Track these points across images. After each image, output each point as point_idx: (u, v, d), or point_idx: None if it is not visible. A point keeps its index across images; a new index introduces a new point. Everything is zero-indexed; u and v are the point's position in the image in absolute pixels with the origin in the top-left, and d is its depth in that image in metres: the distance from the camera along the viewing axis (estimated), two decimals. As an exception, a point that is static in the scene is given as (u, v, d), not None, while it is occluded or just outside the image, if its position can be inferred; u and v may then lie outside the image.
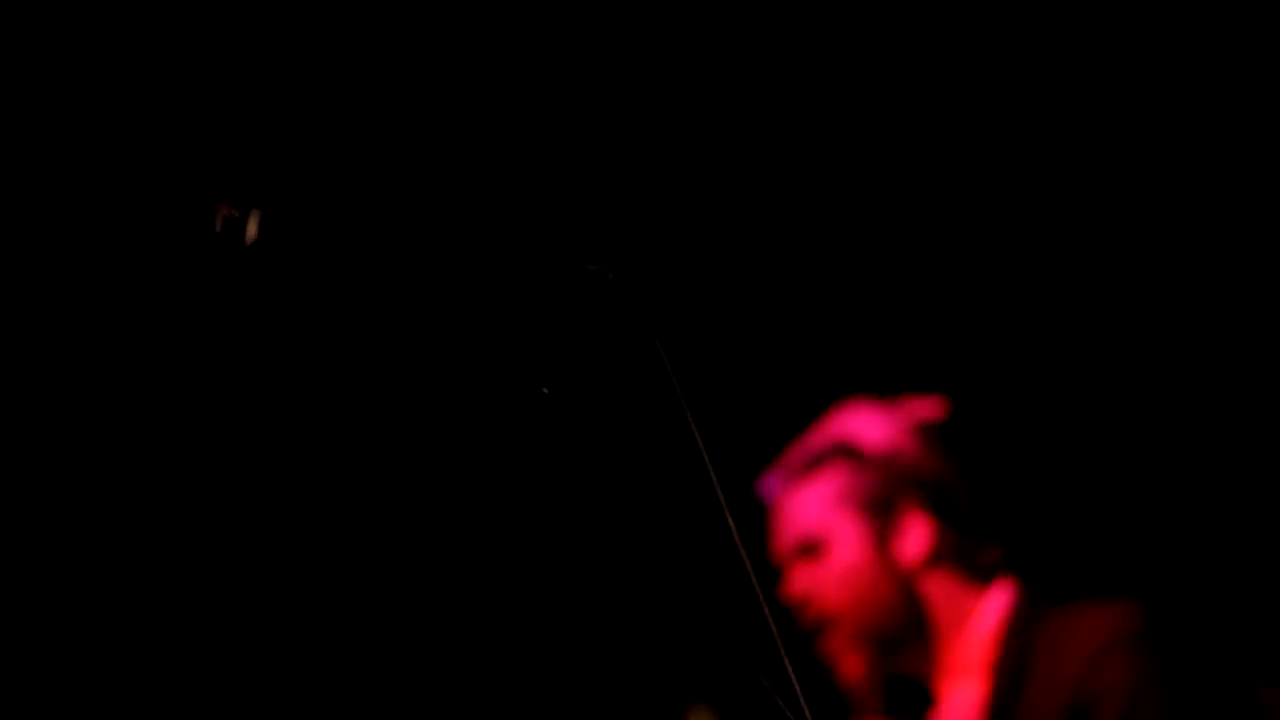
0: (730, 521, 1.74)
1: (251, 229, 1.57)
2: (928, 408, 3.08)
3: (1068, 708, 2.89)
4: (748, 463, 3.03)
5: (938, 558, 3.06)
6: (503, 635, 3.17)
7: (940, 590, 3.06)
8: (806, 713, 1.73)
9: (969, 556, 3.06)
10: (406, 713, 3.27)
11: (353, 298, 1.76)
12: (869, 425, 3.06)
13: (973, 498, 3.08)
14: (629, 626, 3.24)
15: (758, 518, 2.93)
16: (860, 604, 3.08)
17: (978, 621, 3.05)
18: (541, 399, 1.66)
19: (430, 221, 1.66)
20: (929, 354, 3.74)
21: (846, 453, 3.06)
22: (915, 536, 3.11)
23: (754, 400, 3.59)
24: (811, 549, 3.07)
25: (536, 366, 1.69)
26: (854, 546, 3.07)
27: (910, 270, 3.76)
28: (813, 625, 3.05)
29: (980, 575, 3.06)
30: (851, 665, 3.06)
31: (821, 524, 3.06)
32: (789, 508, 3.08)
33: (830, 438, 3.06)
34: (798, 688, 1.73)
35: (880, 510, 3.11)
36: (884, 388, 3.07)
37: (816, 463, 3.06)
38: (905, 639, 3.08)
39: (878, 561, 3.08)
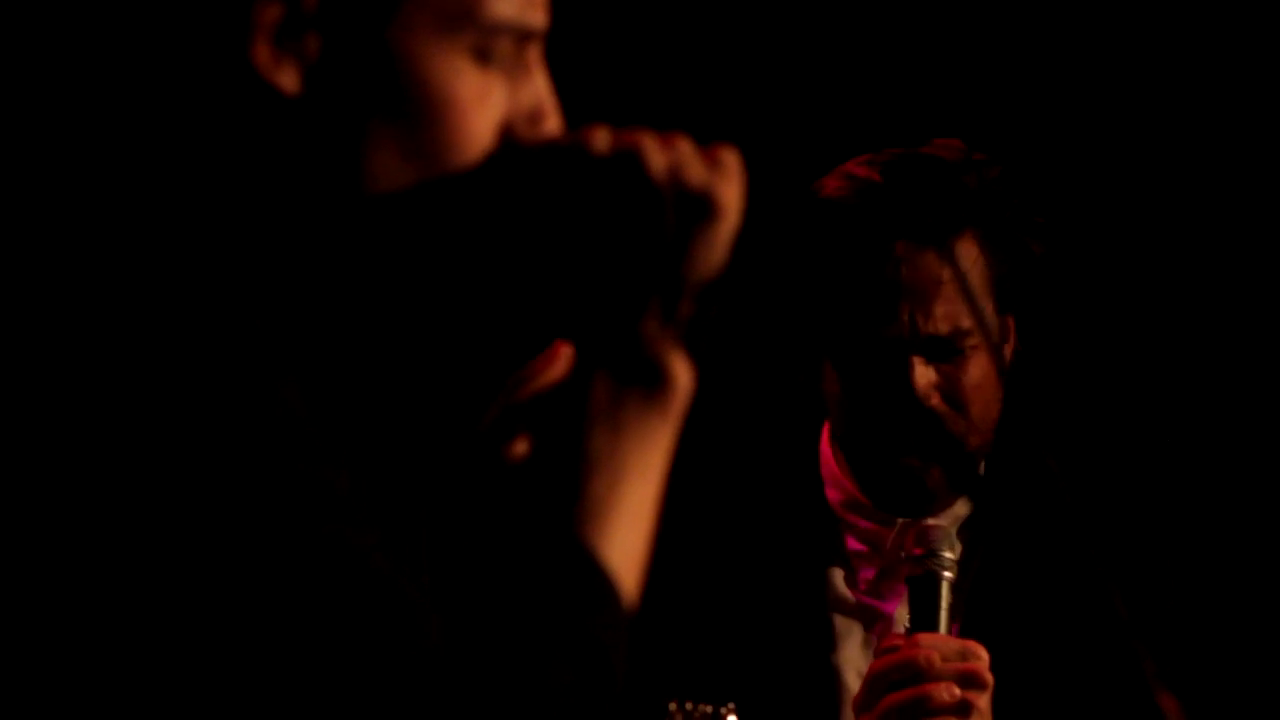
0: None
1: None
2: None
3: None
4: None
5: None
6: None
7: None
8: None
9: None
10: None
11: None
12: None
13: None
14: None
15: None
16: (986, 414, 2.75)
17: None
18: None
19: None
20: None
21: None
22: (1012, 338, 2.80)
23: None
24: (954, 342, 2.70)
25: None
26: (992, 347, 2.73)
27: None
28: (933, 429, 2.70)
29: None
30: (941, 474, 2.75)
31: (969, 315, 2.68)
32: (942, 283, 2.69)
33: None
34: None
35: (1006, 307, 2.77)
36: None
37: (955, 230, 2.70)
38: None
39: (999, 367, 2.75)
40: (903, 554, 2.68)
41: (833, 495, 2.84)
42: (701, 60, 3.59)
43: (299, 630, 1.49)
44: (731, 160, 1.67)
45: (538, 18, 1.67)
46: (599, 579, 1.60)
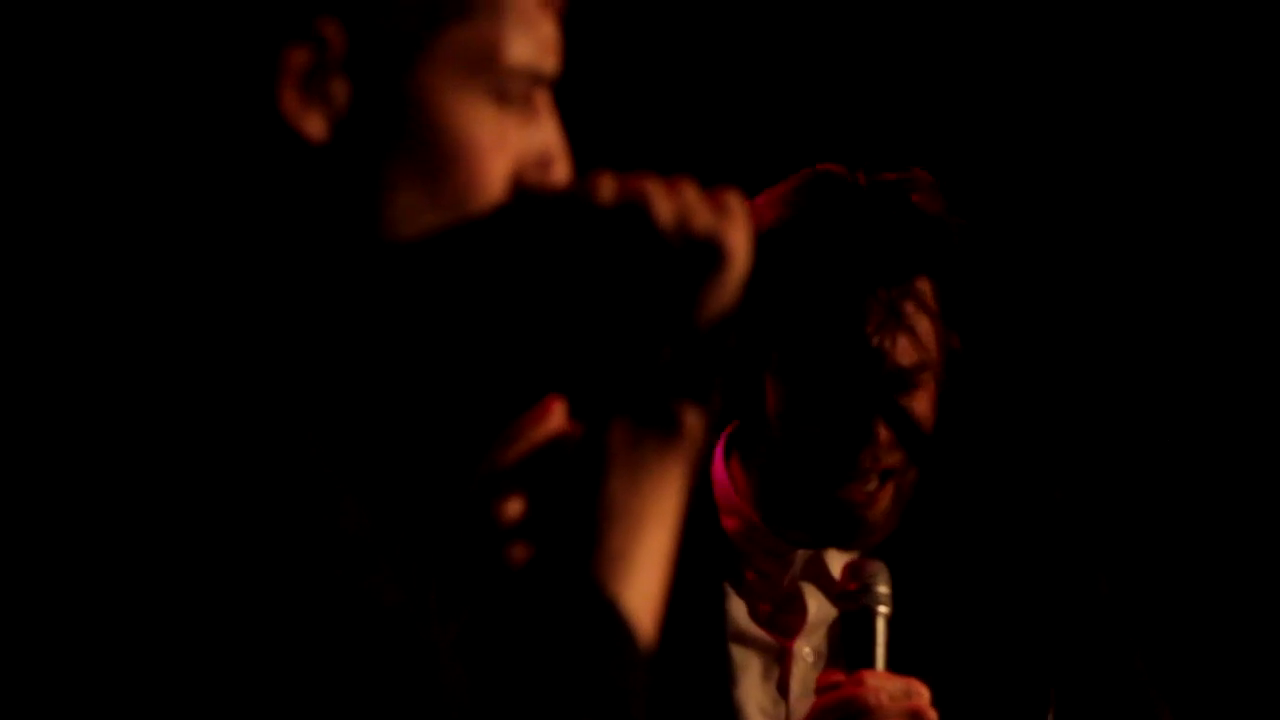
0: None
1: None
2: None
3: None
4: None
5: None
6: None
7: None
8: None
9: None
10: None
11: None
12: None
13: None
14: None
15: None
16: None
17: None
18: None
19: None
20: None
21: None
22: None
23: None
24: (911, 376, 2.69)
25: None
26: (939, 376, 2.72)
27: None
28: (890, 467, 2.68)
29: None
30: (890, 510, 2.72)
31: (928, 350, 2.69)
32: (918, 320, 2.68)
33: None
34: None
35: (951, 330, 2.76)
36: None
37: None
38: None
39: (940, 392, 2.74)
40: (837, 589, 2.67)
41: (730, 524, 2.80)
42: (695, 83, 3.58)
43: (330, 689, 1.47)
44: (737, 204, 1.68)
45: (551, 63, 1.68)
46: (620, 627, 1.61)
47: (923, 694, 2.51)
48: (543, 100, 1.69)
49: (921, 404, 2.71)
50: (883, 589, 2.59)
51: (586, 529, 1.63)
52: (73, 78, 1.71)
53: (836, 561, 2.73)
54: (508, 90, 1.64)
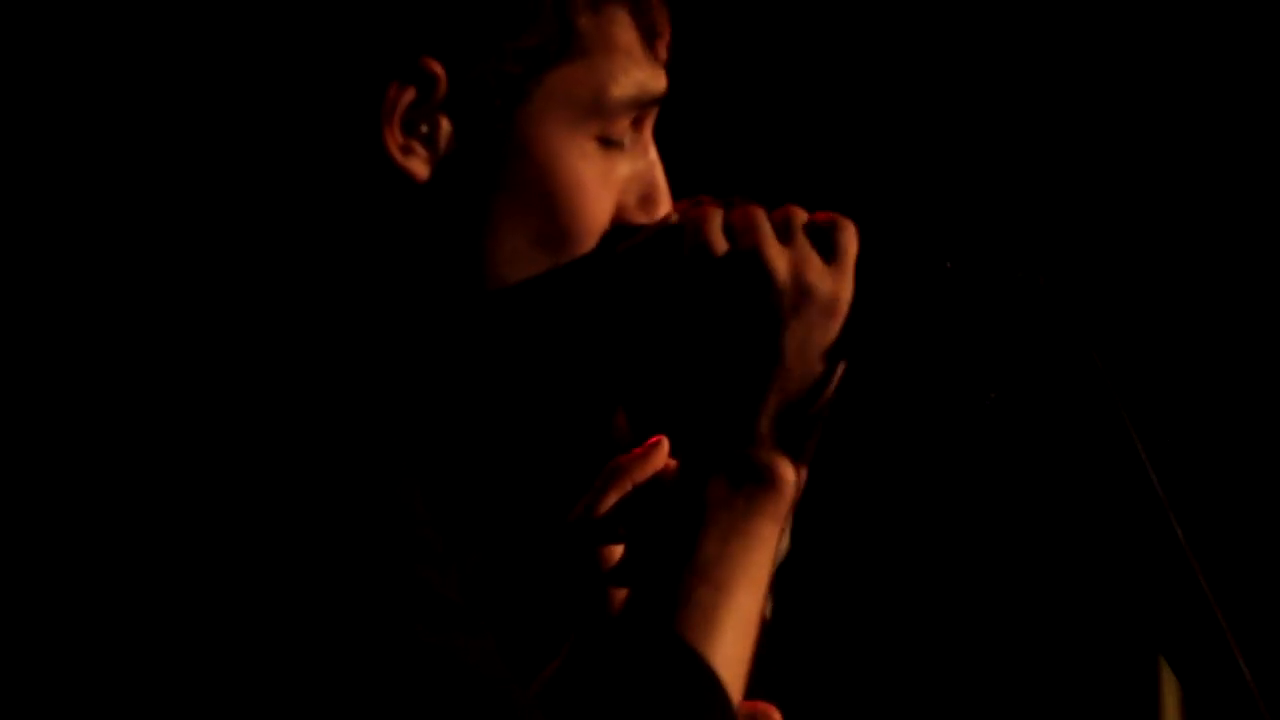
0: (1178, 531, 1.70)
1: None
2: None
3: None
4: (1189, 470, 2.90)
5: None
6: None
7: None
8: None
9: None
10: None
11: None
12: None
13: None
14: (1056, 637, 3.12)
15: (1203, 527, 2.71)
16: None
17: None
18: (985, 406, 1.66)
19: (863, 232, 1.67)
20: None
21: None
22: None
23: (1191, 404, 3.42)
24: None
25: (974, 375, 1.67)
26: None
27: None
28: None
29: None
30: None
31: None
32: None
33: None
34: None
35: None
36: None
37: None
38: None
39: None
40: None
41: None
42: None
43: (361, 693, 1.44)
44: (850, 251, 1.63)
45: (659, 86, 1.65)
46: (709, 692, 1.56)
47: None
48: (649, 126, 1.66)
49: None
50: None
51: (678, 584, 1.59)
52: (187, 115, 1.72)
53: None
54: (615, 127, 1.62)
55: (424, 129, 1.59)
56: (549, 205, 1.60)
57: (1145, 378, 3.33)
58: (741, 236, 1.62)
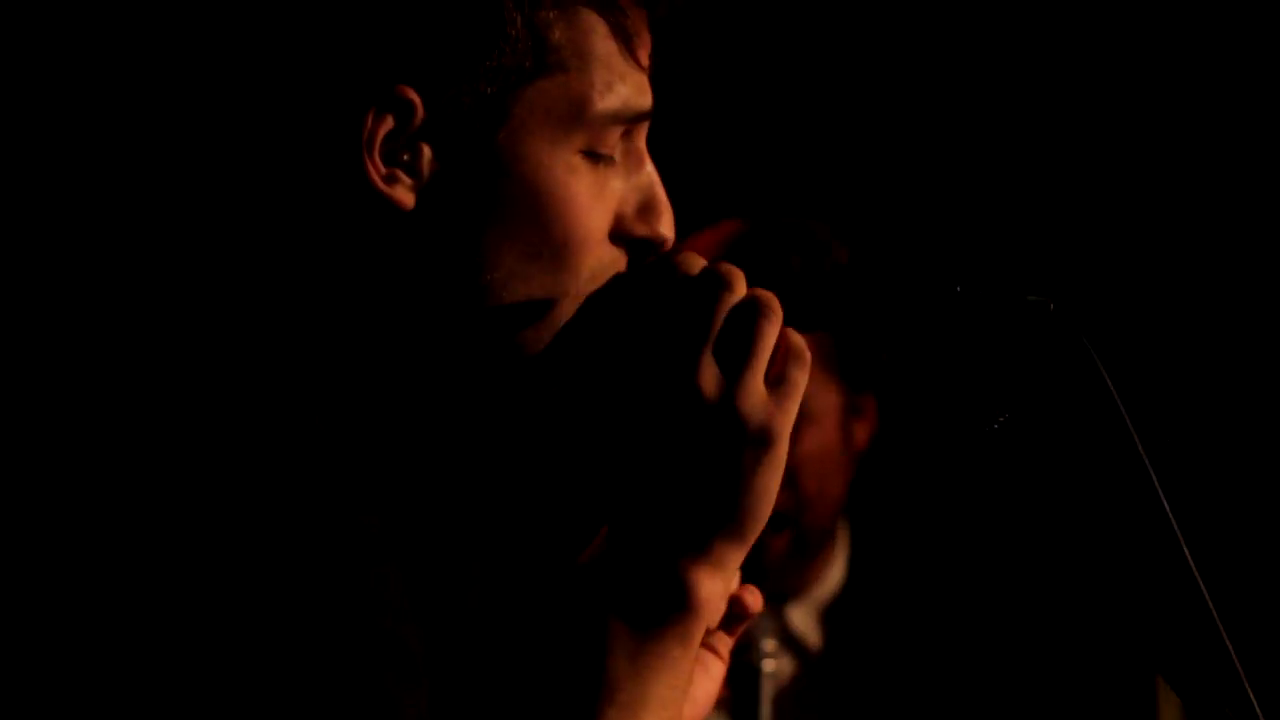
0: (1185, 551, 1.68)
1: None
2: None
3: None
4: (1198, 491, 2.86)
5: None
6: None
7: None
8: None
9: None
10: None
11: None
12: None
13: None
14: (1074, 654, 3.12)
15: (1213, 547, 2.70)
16: (822, 489, 2.71)
17: None
18: (994, 430, 1.66)
19: (872, 260, 1.70)
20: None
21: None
22: (870, 417, 2.77)
23: (1204, 427, 3.42)
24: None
25: (984, 399, 1.66)
26: (832, 423, 2.68)
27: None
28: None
29: None
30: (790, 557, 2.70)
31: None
32: None
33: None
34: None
35: (854, 384, 2.73)
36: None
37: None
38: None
39: (844, 444, 2.70)
40: None
41: None
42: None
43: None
44: (799, 386, 1.61)
45: (645, 101, 1.64)
46: None
47: None
48: (643, 140, 1.65)
49: (804, 443, 2.66)
50: (767, 643, 2.52)
51: (583, 705, 1.54)
52: (169, 140, 1.72)
53: None
54: (603, 139, 1.61)
55: (405, 157, 1.58)
56: (539, 222, 1.58)
57: (1155, 401, 3.33)
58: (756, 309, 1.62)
